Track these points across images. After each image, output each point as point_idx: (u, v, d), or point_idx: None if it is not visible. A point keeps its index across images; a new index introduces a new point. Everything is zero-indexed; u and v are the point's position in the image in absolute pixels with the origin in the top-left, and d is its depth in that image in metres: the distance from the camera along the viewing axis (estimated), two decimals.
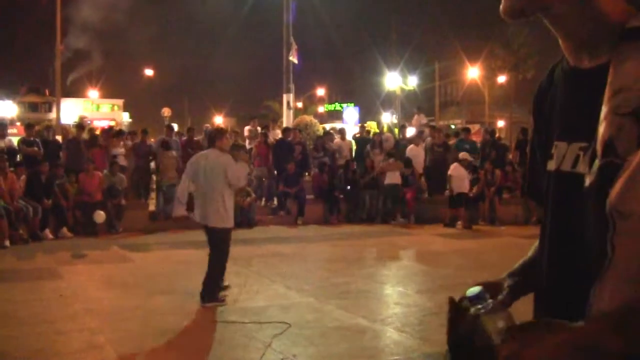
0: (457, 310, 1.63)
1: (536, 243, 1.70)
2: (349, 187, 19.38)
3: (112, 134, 19.35)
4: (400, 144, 20.83)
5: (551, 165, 1.52)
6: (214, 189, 8.77)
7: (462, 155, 18.31)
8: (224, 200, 8.74)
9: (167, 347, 6.85)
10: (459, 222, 17.77)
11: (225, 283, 9.18)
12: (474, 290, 1.65)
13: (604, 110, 1.26)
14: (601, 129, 1.26)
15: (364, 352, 6.60)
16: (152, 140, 20.98)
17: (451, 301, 1.66)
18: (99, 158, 17.39)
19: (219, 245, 8.80)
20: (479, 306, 1.57)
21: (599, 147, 1.27)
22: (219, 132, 10.16)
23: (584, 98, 1.40)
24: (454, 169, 17.95)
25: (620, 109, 1.23)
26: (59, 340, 7.06)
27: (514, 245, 14.13)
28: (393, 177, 18.66)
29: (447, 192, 18.12)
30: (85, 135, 18.67)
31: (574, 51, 1.44)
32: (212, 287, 8.68)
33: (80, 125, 19.28)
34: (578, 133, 1.40)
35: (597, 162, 1.27)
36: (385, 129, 32.27)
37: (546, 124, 1.60)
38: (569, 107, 1.48)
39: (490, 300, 1.60)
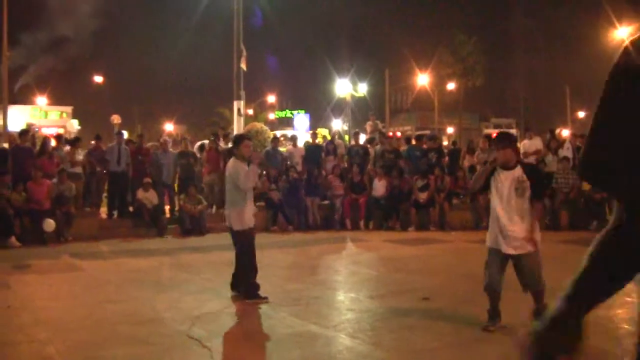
0: None
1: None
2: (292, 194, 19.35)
3: (69, 141, 19.28)
4: (352, 150, 20.92)
5: None
6: None
7: None
8: None
9: (117, 358, 6.79)
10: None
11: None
12: None
13: None
14: None
15: (317, 358, 6.63)
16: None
17: None
18: (49, 166, 17.15)
19: None
20: None
21: None
22: None
23: None
24: None
25: None
26: (7, 352, 6.94)
27: (463, 250, 14.34)
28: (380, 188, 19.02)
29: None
30: (28, 144, 18.29)
31: None
32: None
33: (23, 132, 18.83)
34: None
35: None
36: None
37: None
38: None
39: None
